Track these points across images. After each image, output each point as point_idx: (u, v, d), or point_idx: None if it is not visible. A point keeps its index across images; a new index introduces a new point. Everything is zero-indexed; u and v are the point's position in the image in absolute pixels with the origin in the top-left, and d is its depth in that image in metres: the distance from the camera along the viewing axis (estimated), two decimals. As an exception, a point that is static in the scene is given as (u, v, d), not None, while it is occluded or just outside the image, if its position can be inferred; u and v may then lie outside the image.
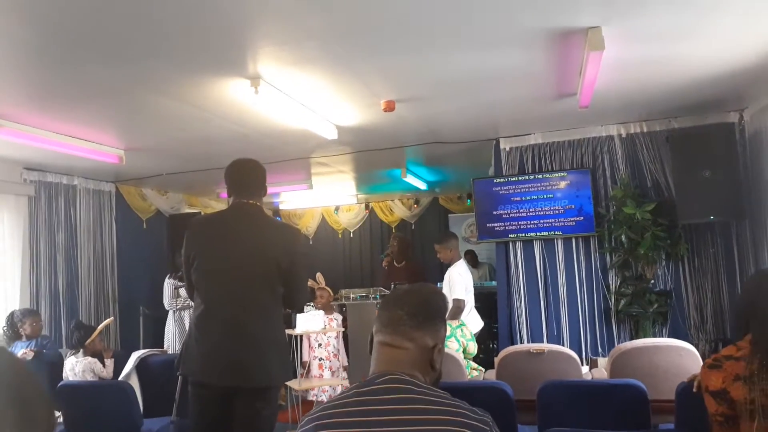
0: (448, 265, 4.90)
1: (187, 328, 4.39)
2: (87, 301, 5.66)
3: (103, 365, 4.00)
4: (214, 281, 2.55)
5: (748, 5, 2.64)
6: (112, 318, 5.13)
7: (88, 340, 4.02)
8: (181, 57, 2.94)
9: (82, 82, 3.25)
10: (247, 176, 2.71)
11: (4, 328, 4.41)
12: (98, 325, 4.34)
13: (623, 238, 4.75)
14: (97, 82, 3.26)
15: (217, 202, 8.11)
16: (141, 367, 4.10)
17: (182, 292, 5.31)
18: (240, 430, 2.50)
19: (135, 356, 4.14)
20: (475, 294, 5.01)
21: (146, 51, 2.84)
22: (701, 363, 2.92)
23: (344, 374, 4.98)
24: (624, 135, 4.96)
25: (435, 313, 1.38)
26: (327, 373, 4.93)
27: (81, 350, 4.02)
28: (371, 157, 5.67)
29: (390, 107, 3.88)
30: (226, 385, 2.46)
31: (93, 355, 4.00)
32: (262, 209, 2.70)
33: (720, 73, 3.61)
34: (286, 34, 2.73)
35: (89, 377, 3.93)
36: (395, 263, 6.71)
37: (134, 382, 3.98)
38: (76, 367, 3.96)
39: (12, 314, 4.42)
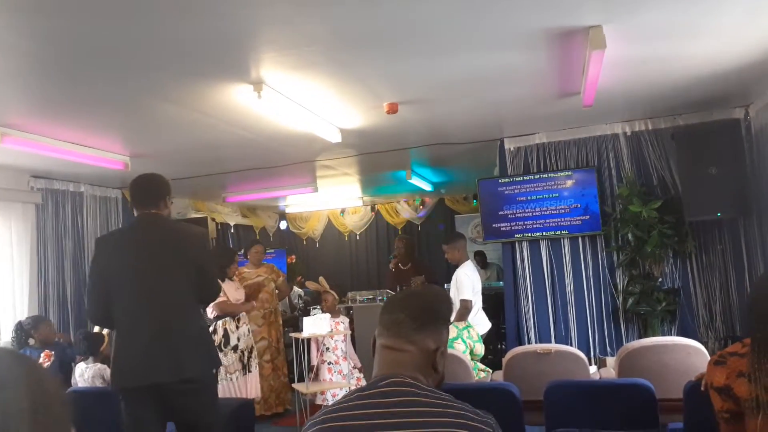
0: (456, 266, 4.89)
1: None
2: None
3: None
4: (133, 291, 2.69)
5: (750, 4, 2.62)
6: None
7: (103, 346, 4.05)
8: (185, 64, 2.96)
9: (89, 92, 3.27)
10: (145, 189, 2.87)
11: (13, 338, 4.43)
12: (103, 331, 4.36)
13: (630, 236, 4.73)
14: (103, 91, 3.28)
15: (223, 206, 8.14)
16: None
17: None
18: (183, 428, 2.72)
19: None
20: (483, 294, 5.00)
21: (151, 60, 2.86)
22: (710, 361, 2.91)
23: (359, 374, 4.96)
24: (629, 133, 4.95)
25: (436, 315, 1.38)
26: (336, 377, 4.93)
27: (90, 357, 4.05)
28: (376, 159, 5.68)
29: (393, 109, 3.88)
30: (160, 381, 2.60)
31: (103, 362, 4.03)
32: (164, 216, 2.86)
33: (724, 69, 3.59)
34: (288, 39, 2.74)
35: (99, 383, 3.95)
36: (401, 266, 6.71)
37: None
38: (85, 373, 3.98)
39: (19, 324, 4.44)
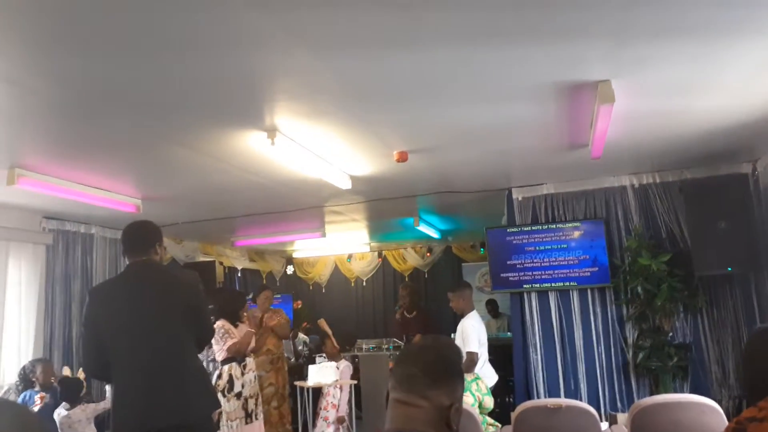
0: (461, 315, 4.84)
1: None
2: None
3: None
4: (129, 339, 2.71)
5: (758, 57, 2.67)
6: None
7: (82, 393, 4.11)
8: (200, 109, 3.02)
9: (103, 134, 3.33)
10: (134, 237, 2.91)
11: (17, 382, 4.40)
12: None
13: (639, 289, 4.68)
14: (118, 134, 3.34)
15: (232, 250, 8.16)
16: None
17: None
18: None
19: None
20: (493, 345, 4.93)
21: (166, 105, 2.92)
22: (725, 420, 2.84)
23: (338, 425, 4.84)
24: (637, 185, 4.97)
25: (451, 370, 1.36)
26: (321, 424, 4.82)
27: (64, 403, 4.12)
28: (384, 205, 5.71)
29: (403, 158, 3.93)
30: (162, 425, 2.61)
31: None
32: (155, 263, 2.91)
33: (732, 124, 3.63)
34: (302, 88, 2.80)
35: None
36: (406, 314, 6.66)
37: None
38: (60, 420, 4.02)
39: (23, 368, 4.44)
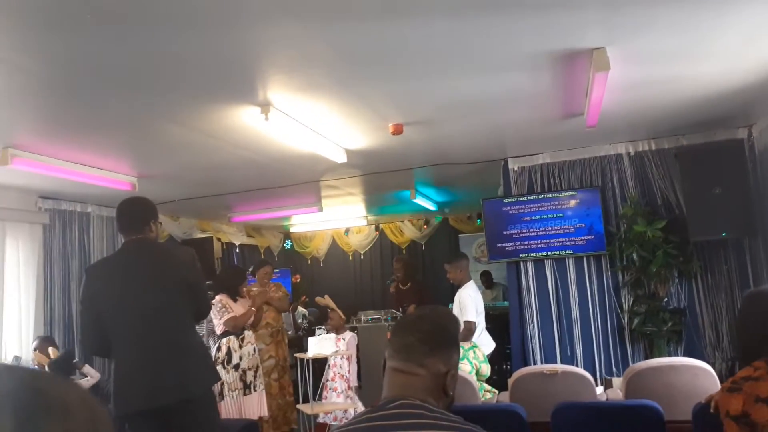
0: (458, 286, 4.89)
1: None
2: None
3: None
4: (128, 317, 2.73)
5: (753, 23, 2.66)
6: None
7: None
8: (194, 86, 3.00)
9: (97, 113, 3.31)
10: (129, 214, 2.90)
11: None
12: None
13: (634, 256, 4.72)
14: (112, 112, 3.32)
15: (229, 226, 8.17)
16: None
17: None
18: None
19: None
20: (488, 315, 4.99)
21: (160, 82, 2.90)
22: (718, 382, 2.90)
23: (352, 394, 4.93)
24: (632, 153, 4.97)
25: (447, 338, 1.39)
26: (332, 395, 4.90)
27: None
28: (380, 179, 5.71)
29: (398, 130, 3.92)
30: (165, 402, 2.63)
31: None
32: (150, 240, 2.90)
33: (727, 90, 3.62)
34: (295, 61, 2.78)
35: None
36: (401, 286, 6.74)
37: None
38: None
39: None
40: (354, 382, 5.03)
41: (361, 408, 4.72)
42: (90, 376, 4.38)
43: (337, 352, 4.72)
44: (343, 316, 5.42)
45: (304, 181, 5.63)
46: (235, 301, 4.89)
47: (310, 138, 3.90)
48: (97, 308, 2.75)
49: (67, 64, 2.59)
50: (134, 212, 2.90)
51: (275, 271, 6.54)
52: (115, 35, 2.33)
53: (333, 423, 4.83)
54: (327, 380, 4.97)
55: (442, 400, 1.33)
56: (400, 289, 6.74)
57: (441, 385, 1.32)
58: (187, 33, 2.37)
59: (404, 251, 9.47)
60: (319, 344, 4.61)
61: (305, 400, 4.73)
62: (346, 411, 4.78)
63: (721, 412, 1.85)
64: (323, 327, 5.36)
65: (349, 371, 4.97)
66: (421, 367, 1.31)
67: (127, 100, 3.14)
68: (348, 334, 5.21)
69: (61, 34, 2.30)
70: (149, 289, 2.77)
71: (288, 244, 10.33)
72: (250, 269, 6.03)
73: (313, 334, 5.19)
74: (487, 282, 8.35)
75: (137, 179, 4.83)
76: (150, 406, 2.63)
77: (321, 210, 7.09)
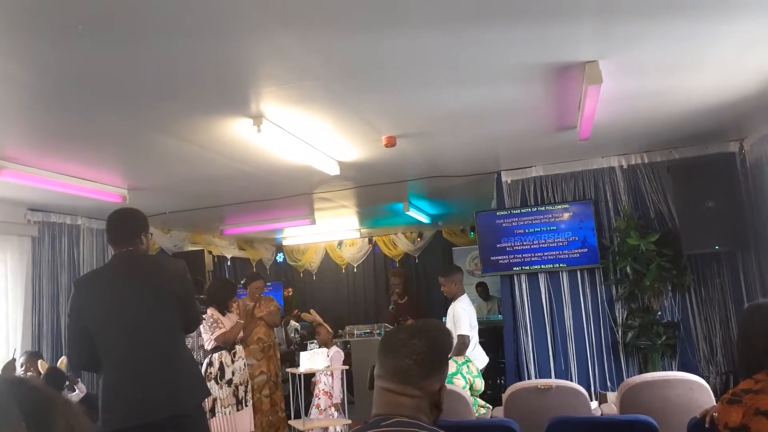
0: (452, 299, 4.86)
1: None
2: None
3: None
4: (118, 330, 2.66)
5: (744, 37, 2.67)
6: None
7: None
8: (185, 98, 2.98)
9: (87, 124, 3.28)
10: (119, 226, 2.84)
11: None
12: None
13: (628, 269, 4.72)
14: (103, 124, 3.29)
15: (221, 239, 8.12)
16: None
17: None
18: None
19: None
20: (484, 328, 4.97)
21: (152, 94, 2.88)
22: (713, 397, 2.88)
23: (335, 413, 4.85)
24: (625, 166, 4.98)
25: (443, 356, 1.36)
26: (314, 411, 4.85)
27: None
28: (374, 191, 5.69)
29: (391, 143, 3.91)
30: (156, 419, 2.56)
31: None
32: (140, 253, 2.82)
33: (719, 103, 3.64)
34: (288, 73, 2.77)
35: None
36: (399, 300, 6.64)
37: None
38: None
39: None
40: (338, 399, 4.96)
41: (345, 422, 4.66)
42: (79, 390, 4.30)
43: (328, 367, 4.67)
44: (330, 330, 5.37)
45: (297, 193, 5.60)
46: (224, 314, 4.84)
47: (303, 150, 3.89)
48: (85, 322, 2.68)
49: (58, 74, 2.57)
50: (125, 224, 2.85)
51: (267, 284, 6.49)
52: (106, 46, 2.31)
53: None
54: (314, 396, 4.92)
55: (434, 414, 1.31)
56: (397, 304, 6.63)
57: (434, 402, 1.31)
58: (179, 44, 2.35)
59: (398, 264, 9.44)
60: (311, 359, 4.55)
61: (297, 416, 4.66)
62: (326, 429, 4.70)
63: (719, 424, 1.83)
64: (315, 341, 5.30)
65: (332, 387, 4.91)
66: (417, 389, 1.29)
67: (118, 111, 3.11)
68: (333, 350, 5.15)
69: (53, 45, 2.27)
70: (138, 302, 2.71)
71: (280, 257, 10.28)
72: (243, 282, 5.98)
73: (305, 348, 5.13)
74: (483, 294, 8.32)
75: (128, 191, 4.79)
76: (138, 422, 2.56)
77: (314, 222, 7.05)
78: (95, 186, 4.48)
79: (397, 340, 1.38)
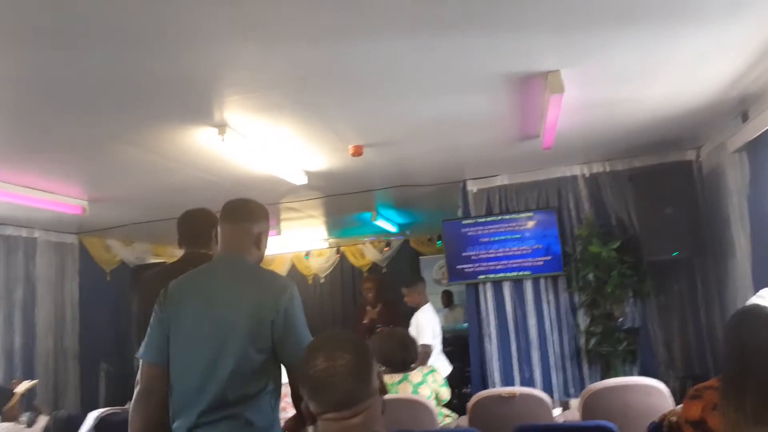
0: (416, 308, 4.88)
1: None
2: (44, 359, 5.41)
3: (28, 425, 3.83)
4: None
5: (696, 51, 2.76)
6: (35, 381, 4.51)
7: (7, 406, 3.86)
8: (147, 106, 2.93)
9: (45, 134, 3.20)
10: (198, 226, 2.70)
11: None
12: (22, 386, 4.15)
13: (591, 276, 4.79)
14: (61, 133, 3.22)
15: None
16: (102, 427, 3.89)
17: None
18: None
19: (92, 416, 3.83)
20: (450, 337, 4.99)
21: (112, 102, 2.82)
22: (671, 401, 2.94)
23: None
24: (587, 175, 5.07)
25: (366, 349, 1.38)
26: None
27: None
28: (341, 201, 5.68)
29: (358, 152, 3.91)
30: None
31: (11, 420, 3.83)
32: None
33: (676, 113, 3.73)
34: (253, 82, 2.75)
35: None
36: (371, 308, 6.30)
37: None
38: None
39: None
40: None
41: None
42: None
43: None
44: None
45: (263, 203, 5.51)
46: None
47: (269, 159, 3.86)
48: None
49: (13, 82, 2.50)
50: (206, 225, 2.67)
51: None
52: (64, 54, 2.26)
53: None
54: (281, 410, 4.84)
55: (383, 405, 1.34)
56: (371, 312, 6.23)
57: (378, 411, 1.33)
58: (140, 52, 2.31)
59: (365, 274, 9.39)
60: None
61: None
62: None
63: (681, 420, 1.89)
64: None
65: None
66: (368, 398, 1.29)
67: (77, 121, 3.04)
68: None
69: (7, 52, 2.21)
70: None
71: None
72: None
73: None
74: (446, 301, 8.35)
75: (88, 203, 4.68)
76: None
77: (279, 233, 6.99)
78: (53, 197, 4.35)
79: (324, 374, 1.27)
